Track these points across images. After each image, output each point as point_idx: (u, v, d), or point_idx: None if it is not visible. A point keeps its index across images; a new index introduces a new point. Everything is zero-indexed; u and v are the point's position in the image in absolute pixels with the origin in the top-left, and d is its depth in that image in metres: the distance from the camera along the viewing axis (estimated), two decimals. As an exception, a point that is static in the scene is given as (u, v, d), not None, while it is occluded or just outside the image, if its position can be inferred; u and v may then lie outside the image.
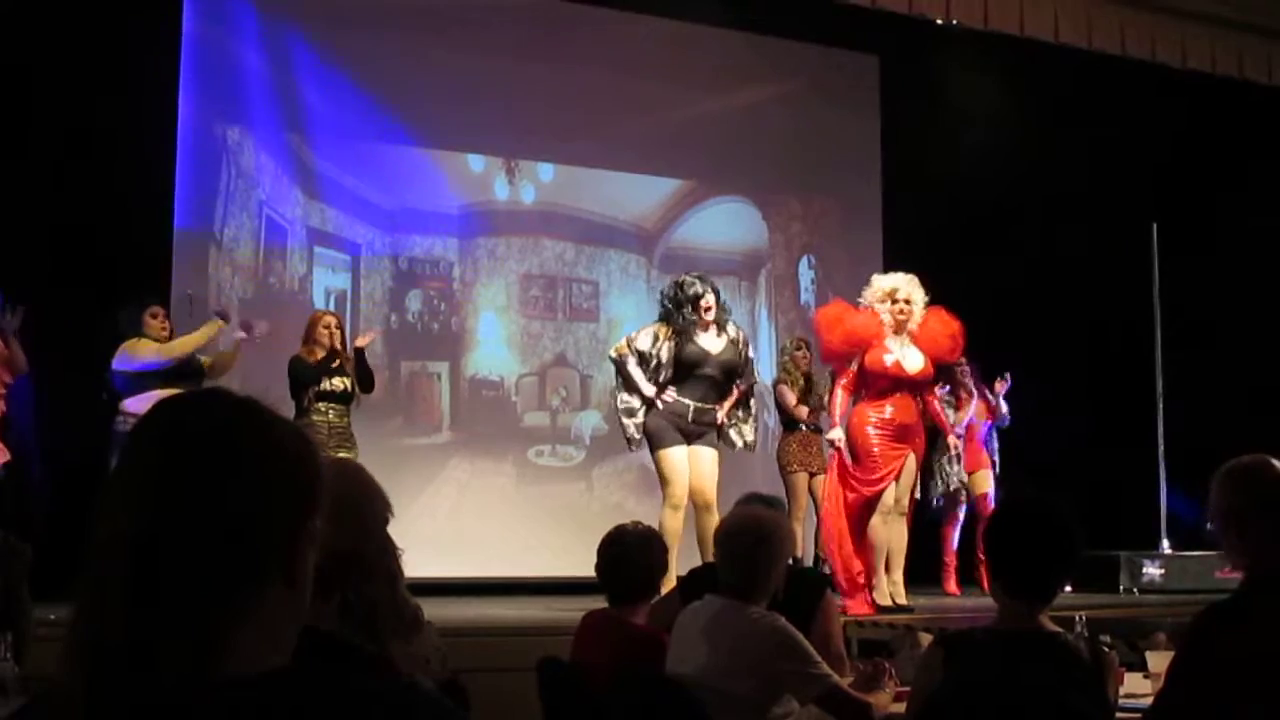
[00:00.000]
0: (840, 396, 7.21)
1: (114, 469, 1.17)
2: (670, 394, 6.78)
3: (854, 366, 7.10)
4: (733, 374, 6.93)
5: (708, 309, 6.82)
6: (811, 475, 8.13)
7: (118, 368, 6.58)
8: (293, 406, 6.88)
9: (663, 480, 6.77)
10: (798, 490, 8.21)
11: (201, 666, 1.09)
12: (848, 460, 7.08)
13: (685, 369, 6.79)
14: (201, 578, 1.11)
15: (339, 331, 7.07)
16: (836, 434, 7.15)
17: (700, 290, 6.82)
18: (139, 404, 6.28)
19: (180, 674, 1.08)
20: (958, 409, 8.61)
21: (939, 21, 9.04)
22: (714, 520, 6.41)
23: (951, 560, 8.66)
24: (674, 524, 6.49)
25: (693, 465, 6.79)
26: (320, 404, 6.87)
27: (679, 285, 6.91)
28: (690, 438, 6.81)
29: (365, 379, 7.08)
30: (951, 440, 7.92)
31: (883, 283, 7.11)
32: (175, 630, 1.09)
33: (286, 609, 1.17)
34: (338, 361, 6.96)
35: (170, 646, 1.08)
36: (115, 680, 1.08)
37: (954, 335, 7.18)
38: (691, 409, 6.82)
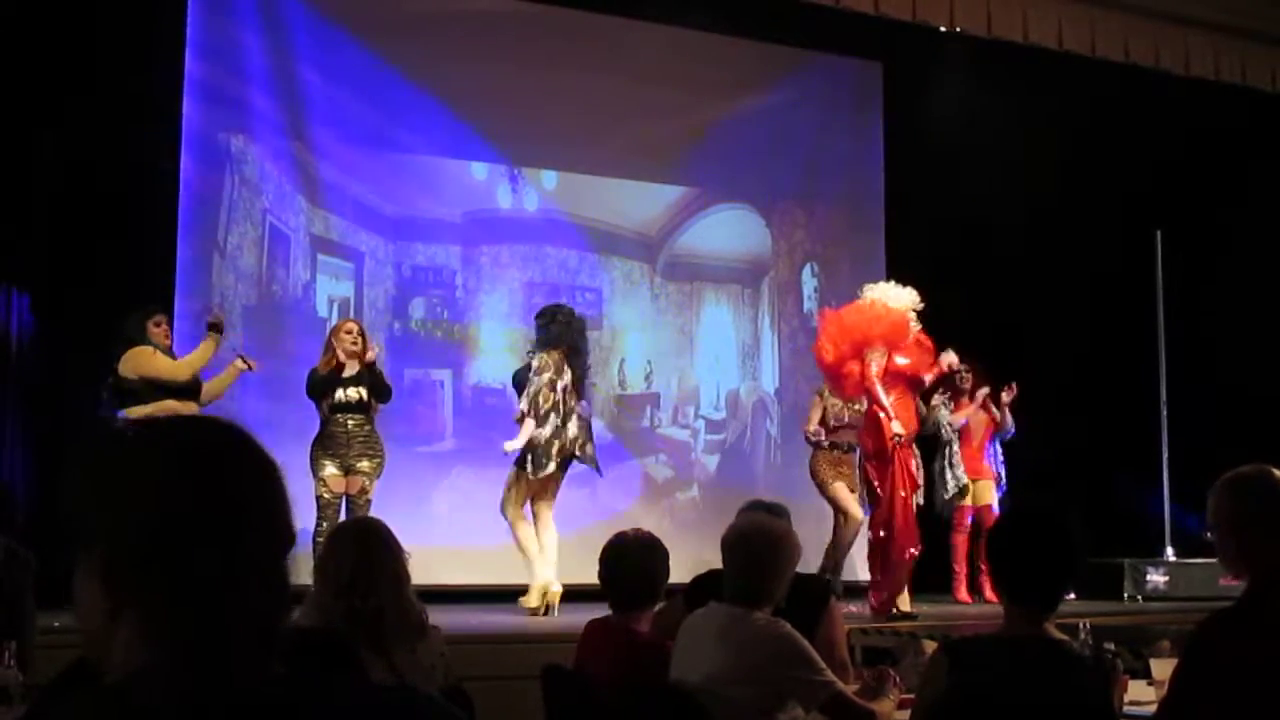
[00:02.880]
0: (879, 394, 7.20)
1: (115, 480, 1.17)
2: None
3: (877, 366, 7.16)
4: None
5: None
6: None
7: (127, 374, 6.55)
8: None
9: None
10: (843, 500, 7.81)
11: (266, 665, 1.13)
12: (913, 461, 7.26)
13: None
14: (269, 585, 1.15)
15: (362, 338, 7.09)
16: (899, 426, 7.10)
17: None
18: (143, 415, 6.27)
19: (251, 674, 1.12)
20: (954, 410, 8.61)
21: (942, 29, 9.06)
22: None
23: (962, 568, 8.61)
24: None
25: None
26: (337, 414, 6.95)
27: (569, 314, 7.50)
28: None
29: (381, 390, 7.10)
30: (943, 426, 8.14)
31: (913, 296, 7.33)
32: (249, 633, 1.13)
33: None
34: (345, 371, 6.98)
35: (246, 649, 1.12)
36: (204, 683, 1.10)
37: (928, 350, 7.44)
38: None
